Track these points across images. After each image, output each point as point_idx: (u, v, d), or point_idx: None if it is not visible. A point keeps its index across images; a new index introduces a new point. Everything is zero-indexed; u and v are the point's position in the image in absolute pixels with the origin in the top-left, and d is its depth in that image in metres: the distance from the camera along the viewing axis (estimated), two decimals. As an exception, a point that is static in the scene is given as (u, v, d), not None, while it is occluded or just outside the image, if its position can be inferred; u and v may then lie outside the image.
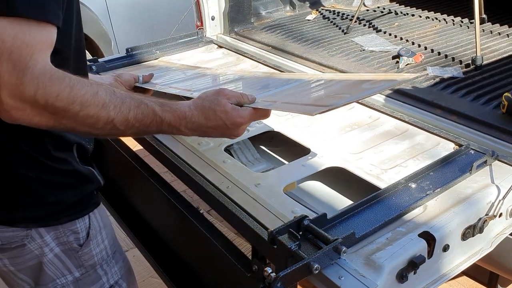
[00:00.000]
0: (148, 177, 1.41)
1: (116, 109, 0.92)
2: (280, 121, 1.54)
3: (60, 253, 1.12)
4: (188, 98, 1.19)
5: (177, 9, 2.55)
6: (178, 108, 1.02)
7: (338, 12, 2.65)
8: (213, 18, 2.40)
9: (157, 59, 2.10)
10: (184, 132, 1.03)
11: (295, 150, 1.50)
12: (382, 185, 1.22)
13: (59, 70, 0.87)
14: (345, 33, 2.30)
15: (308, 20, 2.56)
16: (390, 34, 2.26)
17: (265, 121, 1.53)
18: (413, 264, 0.97)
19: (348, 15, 2.57)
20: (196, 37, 2.30)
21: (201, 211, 2.28)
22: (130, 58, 2.09)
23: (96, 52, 3.96)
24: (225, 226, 2.12)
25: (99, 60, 2.00)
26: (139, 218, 1.82)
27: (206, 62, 2.04)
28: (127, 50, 2.13)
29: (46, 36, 0.86)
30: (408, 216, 1.09)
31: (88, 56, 3.79)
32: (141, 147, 1.52)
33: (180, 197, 1.32)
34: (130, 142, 1.63)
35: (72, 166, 1.09)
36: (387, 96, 1.67)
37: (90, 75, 1.36)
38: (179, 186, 1.47)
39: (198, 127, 1.03)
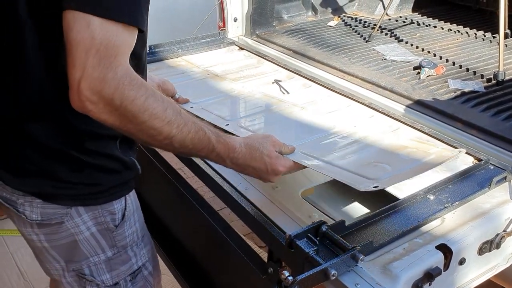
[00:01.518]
0: (164, 171, 1.43)
1: (178, 129, 0.98)
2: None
3: (96, 232, 1.16)
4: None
5: (200, 9, 2.60)
6: (230, 142, 1.10)
7: (360, 20, 2.66)
8: (235, 20, 2.42)
9: (179, 57, 2.12)
10: (227, 164, 1.11)
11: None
12: (400, 195, 1.23)
13: (139, 77, 0.92)
14: (366, 41, 2.30)
15: (330, 26, 2.57)
16: (411, 45, 2.25)
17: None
18: (429, 276, 0.97)
19: (370, 23, 2.58)
20: (218, 37, 2.32)
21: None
22: (153, 55, 2.11)
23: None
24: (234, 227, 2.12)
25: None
26: (153, 215, 1.84)
27: (228, 64, 2.05)
28: (149, 47, 2.15)
29: (131, 39, 0.92)
30: (426, 227, 1.09)
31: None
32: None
33: (196, 194, 1.33)
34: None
35: (115, 153, 1.13)
36: (407, 106, 1.67)
37: None
38: (194, 182, 1.48)
39: (242, 163, 1.12)
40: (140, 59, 1.07)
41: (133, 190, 1.22)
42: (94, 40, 0.85)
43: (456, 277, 1.07)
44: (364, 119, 1.58)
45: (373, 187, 1.11)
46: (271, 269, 1.09)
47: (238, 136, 1.26)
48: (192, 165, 1.33)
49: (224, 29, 2.41)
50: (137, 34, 0.93)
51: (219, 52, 2.21)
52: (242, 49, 2.25)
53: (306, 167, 1.23)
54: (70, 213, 1.11)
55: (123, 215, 1.19)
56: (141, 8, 0.92)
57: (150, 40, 2.26)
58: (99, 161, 1.10)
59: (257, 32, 2.42)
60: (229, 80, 1.86)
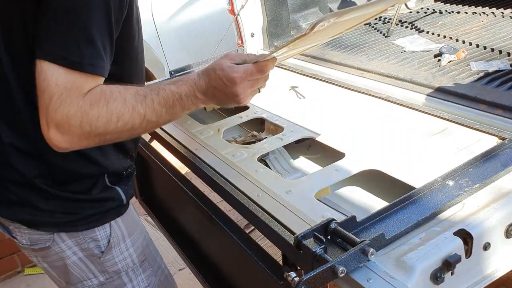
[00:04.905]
0: (181, 185, 1.44)
1: (144, 105, 1.01)
2: (317, 129, 1.52)
3: (83, 257, 1.20)
4: None
5: (224, 32, 2.66)
6: (188, 77, 1.10)
7: (380, 17, 2.60)
8: (252, 35, 2.43)
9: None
10: (200, 98, 1.09)
11: (332, 156, 1.47)
12: (419, 185, 1.17)
13: (96, 90, 0.96)
14: (386, 37, 2.25)
15: (349, 27, 2.53)
16: (433, 34, 2.18)
17: (301, 128, 1.53)
18: (448, 264, 0.91)
19: (390, 19, 2.51)
20: (236, 54, 2.33)
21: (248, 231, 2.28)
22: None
23: (150, 79, 4.12)
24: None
25: (146, 84, 2.07)
26: (183, 231, 1.86)
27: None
28: (170, 73, 2.20)
29: (94, 81, 0.97)
30: (444, 214, 1.03)
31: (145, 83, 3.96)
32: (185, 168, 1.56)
33: (212, 205, 1.33)
34: (175, 162, 1.68)
35: (96, 189, 1.16)
36: (428, 95, 1.61)
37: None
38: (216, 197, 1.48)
39: (206, 89, 1.09)
40: (123, 80, 1.09)
41: (127, 215, 1.23)
42: (58, 86, 0.92)
43: (482, 264, 1.00)
44: (381, 115, 1.53)
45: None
46: (286, 273, 1.06)
47: None
48: (204, 176, 1.34)
49: (242, 46, 2.43)
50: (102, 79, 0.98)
51: (237, 68, 2.22)
52: (260, 62, 2.25)
53: (268, 66, 1.11)
54: (53, 238, 1.15)
55: (109, 242, 1.20)
56: (104, 56, 0.97)
57: (178, 66, 2.33)
58: (76, 196, 1.14)
59: (275, 44, 2.42)
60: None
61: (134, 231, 1.29)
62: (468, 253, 0.97)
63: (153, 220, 2.17)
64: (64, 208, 1.13)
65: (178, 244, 1.85)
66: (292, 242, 1.01)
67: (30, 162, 1.09)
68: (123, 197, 1.23)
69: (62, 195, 1.12)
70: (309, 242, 0.95)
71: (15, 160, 1.09)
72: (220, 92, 1.09)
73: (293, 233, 1.06)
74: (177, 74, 2.18)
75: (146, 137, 1.83)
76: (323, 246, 0.94)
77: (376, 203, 1.32)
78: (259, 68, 1.10)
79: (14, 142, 1.09)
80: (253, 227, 2.35)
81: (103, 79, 1.00)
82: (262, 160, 1.45)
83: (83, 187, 1.14)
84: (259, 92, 1.19)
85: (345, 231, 0.96)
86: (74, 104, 0.92)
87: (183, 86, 1.07)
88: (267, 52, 1.14)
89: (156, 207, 2.13)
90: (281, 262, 1.17)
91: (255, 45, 2.44)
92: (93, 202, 1.16)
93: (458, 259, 0.92)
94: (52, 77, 0.92)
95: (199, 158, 1.43)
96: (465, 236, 0.96)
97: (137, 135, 1.12)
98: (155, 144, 1.79)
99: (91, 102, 0.94)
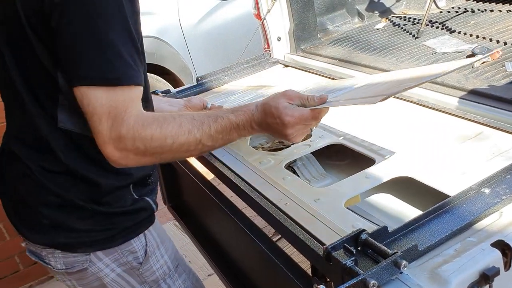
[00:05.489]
0: (212, 195, 1.43)
1: (200, 131, 1.05)
2: (346, 134, 1.49)
3: (122, 272, 1.19)
4: None
5: (251, 37, 2.64)
6: (247, 108, 1.14)
7: (409, 18, 2.55)
8: (279, 39, 2.41)
9: (225, 84, 2.15)
10: (255, 129, 1.14)
11: (362, 162, 1.43)
12: (453, 193, 1.12)
13: (148, 114, 1.00)
14: (415, 38, 2.19)
15: (377, 29, 2.48)
16: (465, 34, 2.11)
17: (329, 134, 1.50)
18: (486, 277, 0.87)
19: (420, 19, 2.45)
20: (262, 59, 2.32)
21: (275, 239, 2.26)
22: (200, 86, 2.15)
23: (178, 84, 4.15)
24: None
25: (171, 91, 2.08)
26: (216, 242, 1.85)
27: (271, 82, 2.04)
28: (197, 79, 2.20)
29: (135, 93, 1.00)
30: (480, 224, 0.99)
31: (172, 89, 3.99)
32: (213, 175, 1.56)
33: (242, 215, 1.32)
34: (202, 169, 1.68)
35: (127, 201, 1.17)
36: (460, 98, 1.55)
37: (163, 98, 1.63)
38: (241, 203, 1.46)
39: (261, 122, 1.13)
40: (145, 96, 1.11)
41: (155, 223, 1.24)
42: (103, 107, 0.94)
43: (523, 277, 0.95)
44: (411, 119, 1.49)
45: (386, 97, 1.01)
46: (316, 285, 1.04)
47: None
48: (231, 184, 1.32)
49: (269, 50, 2.41)
50: (141, 87, 1.00)
51: (263, 73, 2.21)
52: (286, 66, 2.24)
53: (322, 113, 1.16)
54: (90, 259, 1.15)
55: (146, 252, 1.21)
56: (134, 65, 0.99)
57: (205, 71, 2.33)
58: (112, 209, 1.14)
59: (302, 47, 2.40)
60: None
61: (165, 238, 1.31)
62: (507, 265, 0.92)
63: (182, 226, 2.17)
64: (101, 225, 1.14)
65: (206, 250, 1.84)
66: (321, 253, 0.98)
67: (65, 182, 1.10)
68: (153, 206, 1.24)
69: (98, 209, 1.13)
70: (339, 254, 0.92)
71: (48, 181, 1.10)
72: (273, 129, 1.14)
73: (322, 243, 1.03)
74: (204, 81, 2.18)
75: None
76: (353, 258, 0.91)
77: (408, 212, 1.28)
78: (314, 115, 1.14)
79: (43, 163, 1.11)
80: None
81: (141, 88, 1.02)
82: (290, 167, 1.42)
83: (115, 200, 1.15)
84: (311, 132, 1.25)
85: (376, 242, 0.93)
86: (125, 124, 0.95)
87: (241, 116, 1.11)
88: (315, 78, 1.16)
89: (184, 213, 2.14)
90: (309, 272, 1.15)
91: (281, 49, 2.42)
92: (127, 214, 1.17)
93: (496, 272, 0.87)
94: (96, 99, 0.94)
95: (225, 165, 1.41)
96: (504, 248, 0.92)
97: (193, 156, 1.19)
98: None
99: (143, 123, 0.97)
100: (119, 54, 0.96)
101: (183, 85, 4.19)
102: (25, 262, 2.75)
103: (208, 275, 2.66)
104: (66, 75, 1.00)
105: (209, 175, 1.65)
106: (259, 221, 1.32)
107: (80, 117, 1.00)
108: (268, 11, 2.34)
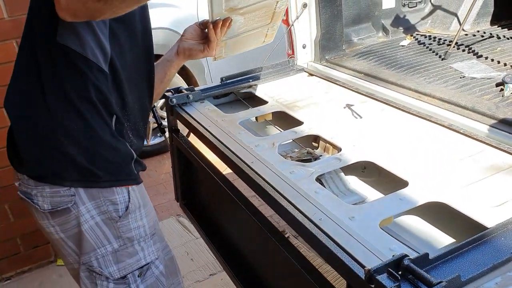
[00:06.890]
0: (240, 204, 1.42)
1: None
2: (375, 152, 1.49)
3: (100, 222, 1.26)
4: None
5: (277, 42, 2.63)
6: None
7: (435, 37, 2.56)
8: (304, 47, 2.41)
9: (250, 87, 2.14)
10: None
11: (389, 181, 1.44)
12: (489, 224, 1.13)
13: None
14: (442, 59, 2.20)
15: (403, 46, 2.49)
16: (492, 60, 2.13)
17: (359, 150, 1.50)
18: (528, 315, 0.88)
19: (445, 40, 2.47)
20: (287, 65, 2.32)
21: (286, 235, 2.26)
22: (224, 86, 2.15)
23: (191, 79, 4.14)
24: (312, 251, 2.08)
25: (195, 89, 2.07)
26: (228, 242, 1.85)
27: (297, 91, 2.04)
28: (221, 79, 2.19)
29: None
30: (521, 259, 0.99)
31: (184, 84, 3.97)
32: (230, 171, 1.56)
33: (271, 226, 1.31)
34: (221, 166, 1.67)
35: (109, 137, 1.27)
36: (491, 126, 1.56)
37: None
38: (265, 210, 1.46)
39: None
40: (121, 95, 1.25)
41: (141, 187, 1.33)
42: None
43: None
44: (442, 143, 1.49)
45: None
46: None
47: None
48: (267, 197, 1.32)
49: (293, 57, 2.41)
50: None
51: (288, 80, 2.21)
52: (311, 75, 2.24)
53: None
54: (75, 200, 1.22)
55: (127, 208, 1.27)
56: None
57: (221, 70, 2.32)
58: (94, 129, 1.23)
59: (326, 57, 2.40)
60: (297, 107, 1.85)
61: (147, 203, 1.37)
62: (547, 303, 0.93)
63: (193, 224, 2.17)
64: (84, 151, 1.21)
65: (220, 253, 1.84)
66: (361, 274, 0.98)
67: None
68: (133, 154, 1.32)
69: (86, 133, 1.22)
70: (383, 278, 0.93)
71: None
72: None
73: (360, 263, 1.03)
74: (228, 81, 2.17)
75: (197, 144, 1.82)
76: (397, 284, 0.91)
77: (439, 237, 1.28)
78: None
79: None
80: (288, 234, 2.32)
81: None
82: (317, 179, 1.42)
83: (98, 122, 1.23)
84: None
85: (419, 269, 0.93)
86: None
87: None
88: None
89: (197, 212, 2.13)
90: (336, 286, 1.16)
91: (305, 57, 2.42)
92: (107, 147, 1.24)
93: (538, 310, 0.88)
94: None
95: (256, 173, 1.41)
96: (546, 286, 0.93)
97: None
98: (200, 146, 1.78)
99: None
100: None
101: (195, 79, 4.19)
102: (26, 245, 2.74)
103: (210, 275, 2.66)
104: None
105: (226, 170, 1.64)
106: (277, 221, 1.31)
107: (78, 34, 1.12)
108: (297, 17, 2.33)
